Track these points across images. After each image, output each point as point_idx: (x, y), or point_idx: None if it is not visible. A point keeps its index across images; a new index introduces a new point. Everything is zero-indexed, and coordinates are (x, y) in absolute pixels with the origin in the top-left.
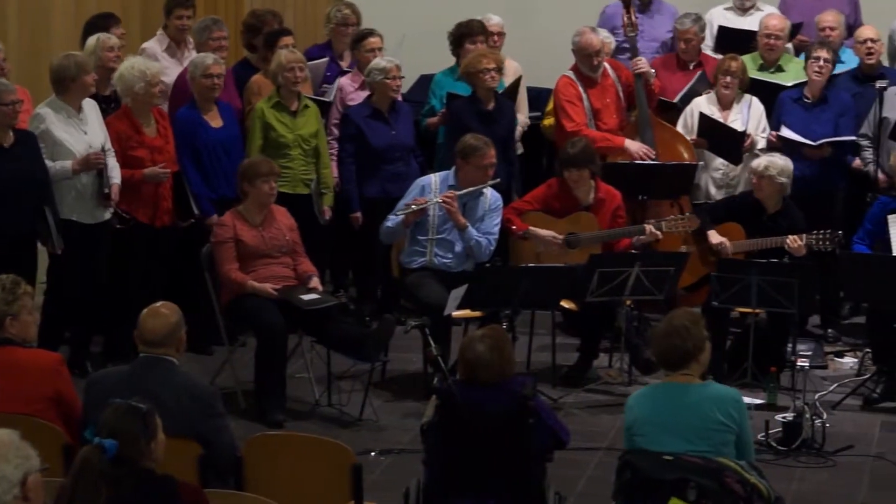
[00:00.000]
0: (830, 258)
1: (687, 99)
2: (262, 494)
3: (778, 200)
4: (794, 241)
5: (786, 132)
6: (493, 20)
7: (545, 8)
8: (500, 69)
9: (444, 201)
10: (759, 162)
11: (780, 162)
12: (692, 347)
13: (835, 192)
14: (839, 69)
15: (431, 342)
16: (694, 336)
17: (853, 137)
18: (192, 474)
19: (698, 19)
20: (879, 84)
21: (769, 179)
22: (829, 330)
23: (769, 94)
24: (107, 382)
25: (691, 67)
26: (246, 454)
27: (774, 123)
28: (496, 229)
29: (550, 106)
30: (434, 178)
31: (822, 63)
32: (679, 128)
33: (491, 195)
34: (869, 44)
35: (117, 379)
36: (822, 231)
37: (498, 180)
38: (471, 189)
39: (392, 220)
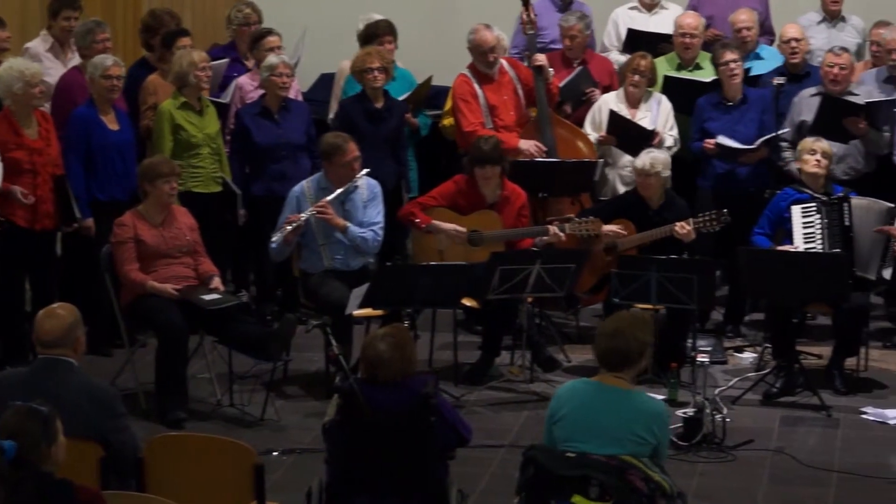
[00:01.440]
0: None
1: (566, 91)
2: (164, 496)
3: (662, 194)
4: (681, 228)
5: (724, 140)
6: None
7: (462, 7)
8: (385, 69)
9: (318, 211)
10: (644, 161)
11: (662, 156)
12: (634, 352)
13: (763, 190)
14: (762, 67)
15: (333, 341)
16: (639, 340)
17: (786, 129)
18: (93, 476)
19: (583, 17)
20: (777, 80)
21: (656, 176)
22: (729, 325)
23: (687, 93)
24: (6, 384)
25: (575, 65)
26: (147, 455)
27: (698, 130)
28: (380, 217)
29: (449, 105)
30: (305, 185)
31: (733, 65)
32: (587, 124)
33: (366, 186)
34: (793, 43)
35: (16, 381)
36: (707, 213)
37: (367, 170)
38: (342, 189)
39: (275, 241)
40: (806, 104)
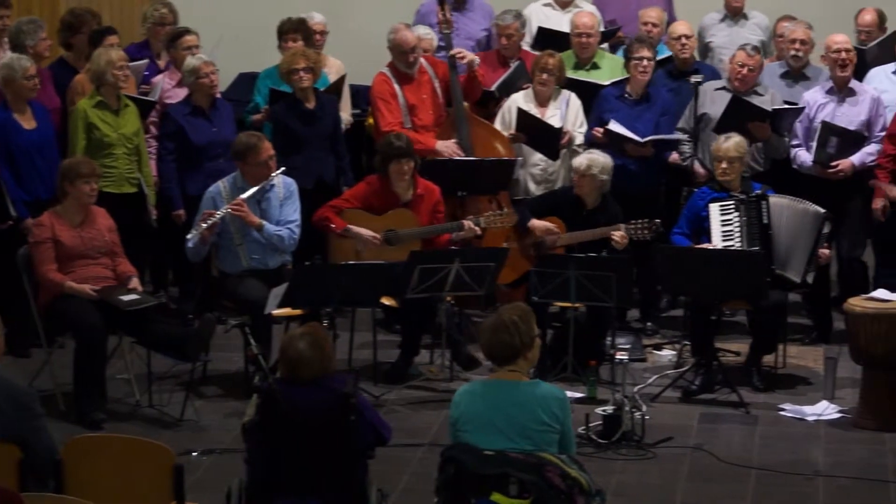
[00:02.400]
0: (647, 251)
1: (504, 88)
2: (83, 497)
3: (597, 196)
4: (621, 238)
5: (615, 126)
6: (316, 18)
7: (365, 6)
8: (312, 69)
9: (233, 210)
10: (581, 161)
11: (601, 160)
12: (520, 343)
13: (656, 188)
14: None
15: (252, 341)
16: (522, 332)
17: (676, 136)
18: (11, 478)
19: (519, 16)
20: (694, 79)
21: (591, 178)
22: (648, 323)
23: (585, 93)
24: None
25: (511, 64)
26: (66, 456)
27: (595, 119)
28: (296, 216)
29: None
30: (222, 185)
31: (645, 63)
32: (497, 124)
33: (283, 184)
34: (683, 40)
35: None
36: (640, 221)
37: (283, 169)
38: (258, 187)
39: (191, 239)
40: (710, 97)
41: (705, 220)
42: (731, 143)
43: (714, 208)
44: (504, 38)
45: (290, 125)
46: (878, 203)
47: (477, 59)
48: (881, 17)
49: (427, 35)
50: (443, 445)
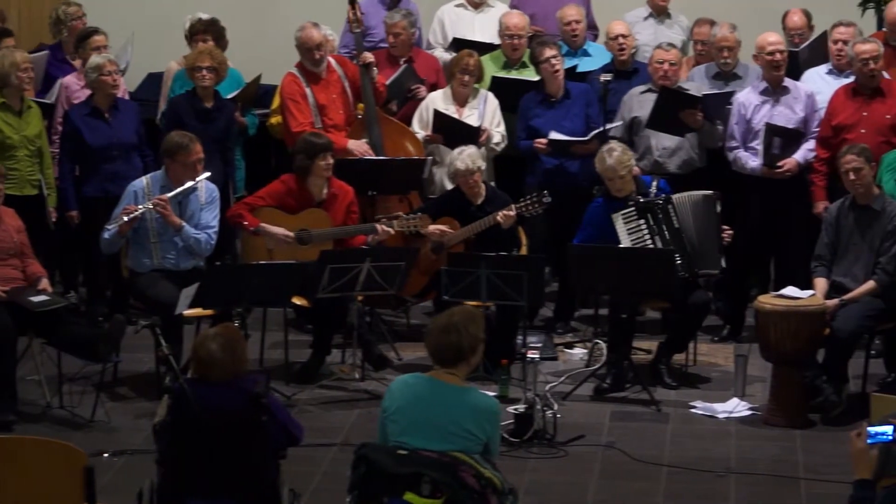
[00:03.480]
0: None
1: (391, 90)
2: None
3: (482, 189)
4: (504, 217)
5: (555, 135)
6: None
7: (288, 7)
8: (216, 69)
9: (155, 206)
10: (465, 161)
11: (474, 150)
12: (467, 347)
13: (593, 184)
14: (590, 64)
15: (163, 342)
16: (471, 335)
17: (615, 125)
18: None
19: (408, 15)
20: (604, 77)
21: (479, 172)
22: (559, 322)
23: (519, 93)
24: None
25: (401, 63)
26: None
27: (524, 128)
28: (215, 222)
29: (277, 103)
30: (146, 181)
31: (554, 61)
32: (414, 123)
33: (205, 189)
34: (620, 40)
35: None
36: (528, 196)
37: (208, 174)
38: (182, 188)
39: (108, 231)
40: (637, 101)
41: (610, 232)
42: (615, 159)
43: (618, 219)
44: (392, 37)
45: (184, 120)
46: (819, 207)
47: (376, 70)
48: (808, 17)
49: (331, 36)
50: (355, 445)
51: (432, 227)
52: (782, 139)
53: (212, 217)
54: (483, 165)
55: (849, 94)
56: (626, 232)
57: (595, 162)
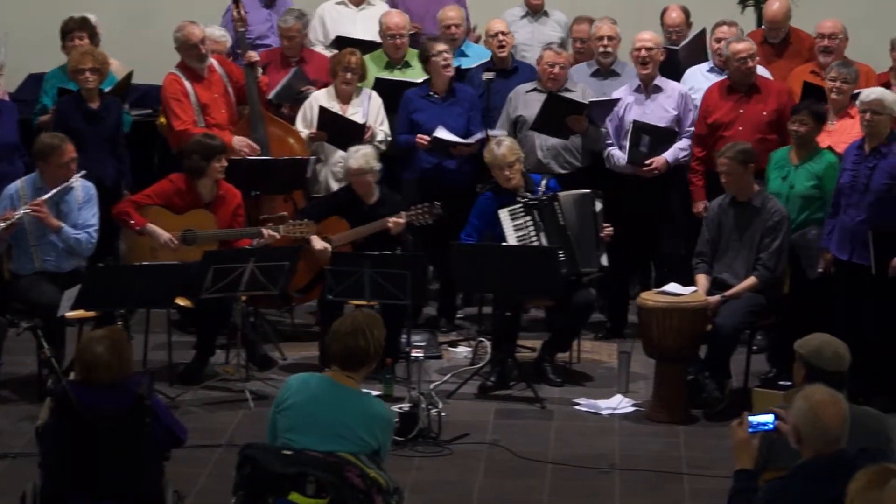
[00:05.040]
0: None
1: (281, 95)
2: None
3: (375, 190)
4: (394, 224)
5: (442, 133)
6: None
7: (167, 8)
8: (99, 70)
9: (32, 210)
10: (359, 160)
11: (370, 150)
12: (373, 352)
13: (475, 183)
14: (467, 63)
15: (45, 344)
16: (377, 340)
17: (503, 131)
18: None
19: (301, 16)
20: (486, 76)
21: (372, 172)
22: (443, 320)
23: (397, 92)
24: None
25: (293, 63)
26: None
27: (405, 123)
28: (94, 220)
29: None
30: (20, 185)
31: (446, 55)
32: (298, 122)
33: (82, 188)
34: (500, 37)
35: None
36: (420, 205)
37: (83, 172)
38: (57, 189)
39: None
40: (522, 100)
41: (497, 226)
42: (505, 148)
43: (504, 214)
44: (286, 40)
45: (72, 124)
46: (699, 206)
47: (260, 70)
48: (687, 15)
49: (222, 37)
50: (240, 445)
51: (319, 245)
52: (652, 137)
53: (91, 215)
54: (377, 166)
55: (723, 91)
56: (513, 228)
57: (484, 153)
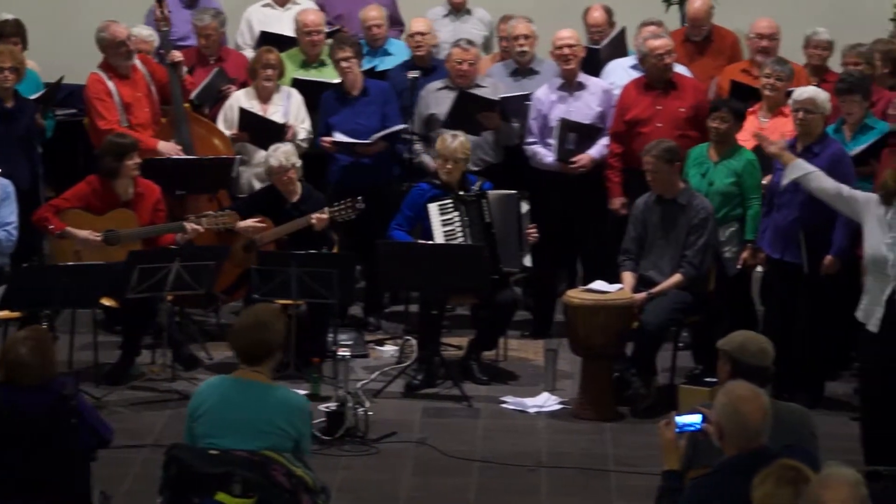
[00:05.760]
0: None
1: (203, 95)
2: None
3: (297, 187)
4: (317, 220)
5: (337, 136)
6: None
7: (91, 7)
8: (17, 69)
9: None
10: (279, 158)
11: (289, 147)
12: (276, 344)
13: (390, 180)
14: (392, 62)
15: None
16: (278, 332)
17: (405, 126)
18: None
19: (217, 14)
20: (412, 74)
21: (294, 169)
22: (370, 318)
23: (319, 93)
24: None
25: (212, 62)
26: None
27: (323, 126)
28: (12, 217)
29: None
30: None
31: (345, 63)
32: (219, 122)
33: None
34: (418, 37)
35: None
36: (342, 202)
37: None
38: None
39: None
40: (433, 98)
41: (426, 218)
42: (458, 143)
43: (433, 208)
44: (203, 39)
45: None
46: (616, 203)
47: (185, 69)
48: (609, 14)
49: (149, 37)
50: (166, 446)
51: (244, 224)
52: (577, 134)
53: (8, 213)
54: (298, 163)
55: (640, 88)
56: (440, 223)
57: (437, 141)
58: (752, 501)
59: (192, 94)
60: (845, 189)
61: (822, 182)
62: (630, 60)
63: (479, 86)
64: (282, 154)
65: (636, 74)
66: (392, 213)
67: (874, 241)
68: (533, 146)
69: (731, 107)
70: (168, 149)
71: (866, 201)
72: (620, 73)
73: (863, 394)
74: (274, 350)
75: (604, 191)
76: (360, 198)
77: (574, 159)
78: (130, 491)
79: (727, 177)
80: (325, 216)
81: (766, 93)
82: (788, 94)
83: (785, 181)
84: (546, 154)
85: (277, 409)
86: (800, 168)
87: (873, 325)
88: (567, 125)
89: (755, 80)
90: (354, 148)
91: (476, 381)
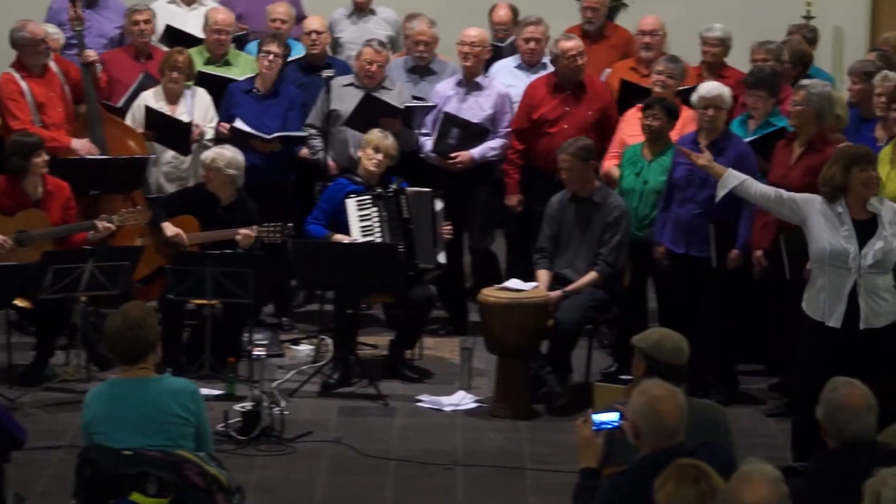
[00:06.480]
0: (282, 248)
1: (131, 102)
2: None
3: (231, 192)
4: (244, 237)
5: (239, 124)
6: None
7: None
8: None
9: None
10: (208, 154)
11: (228, 154)
12: (153, 340)
13: (285, 183)
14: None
15: None
16: (153, 328)
17: (303, 133)
18: None
19: (146, 9)
20: (326, 73)
21: (217, 171)
22: (284, 318)
23: (218, 88)
24: None
25: (143, 60)
26: None
27: (224, 115)
28: None
29: None
30: None
31: (272, 57)
32: (128, 122)
33: None
34: (314, 35)
35: None
36: (272, 224)
37: None
38: None
39: None
40: (337, 94)
41: (343, 213)
42: (390, 140)
43: (351, 203)
44: (137, 35)
45: None
46: (512, 199)
47: (99, 66)
48: (515, 13)
49: (55, 35)
50: (81, 446)
51: (172, 231)
52: (461, 131)
53: None
54: (229, 171)
55: (550, 88)
56: (357, 218)
57: (369, 133)
58: (656, 503)
59: (120, 102)
60: (784, 193)
61: (760, 188)
62: (514, 61)
63: (384, 88)
64: (213, 153)
65: (521, 74)
66: (288, 214)
67: (827, 237)
68: (424, 138)
69: (664, 105)
70: (82, 146)
71: (805, 201)
72: (505, 73)
73: (802, 389)
74: (153, 346)
75: (484, 188)
76: (290, 224)
77: (453, 155)
78: (45, 492)
79: (661, 175)
80: (251, 234)
81: (657, 90)
82: (679, 92)
83: (721, 192)
84: (428, 145)
85: (167, 396)
86: (734, 178)
87: (835, 322)
88: (451, 120)
89: (643, 78)
90: (250, 140)
91: (406, 379)
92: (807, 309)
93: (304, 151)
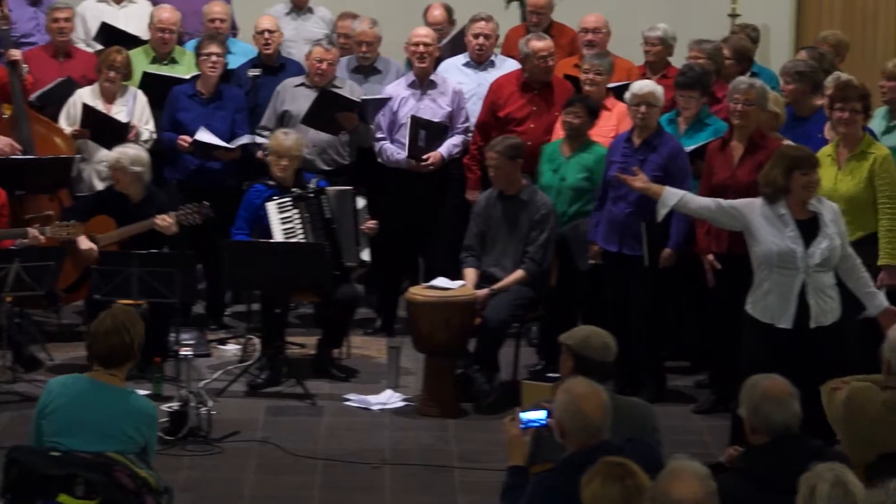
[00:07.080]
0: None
1: (44, 99)
2: None
3: (140, 189)
4: (162, 220)
5: (203, 135)
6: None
7: None
8: None
9: None
10: (110, 155)
11: (132, 152)
12: (135, 347)
13: (240, 184)
14: (233, 61)
15: None
16: (138, 335)
17: (264, 140)
18: None
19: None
20: (252, 72)
21: (122, 171)
22: (212, 318)
23: (168, 89)
24: None
25: (61, 59)
26: None
27: (168, 119)
28: None
29: None
30: None
31: (215, 59)
32: (62, 119)
33: None
34: (266, 35)
35: None
36: (189, 205)
37: None
38: None
39: None
40: (290, 94)
41: (264, 218)
42: (292, 140)
43: (271, 207)
44: (57, 35)
45: None
46: (474, 195)
47: (26, 67)
48: (449, 12)
49: None
50: (7, 448)
51: (85, 245)
52: (427, 132)
53: None
54: (135, 168)
55: (518, 87)
56: (279, 221)
57: (270, 139)
58: (583, 502)
59: (34, 96)
60: (723, 202)
61: (699, 201)
62: (462, 59)
63: (335, 86)
64: (117, 153)
65: (470, 72)
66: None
67: (772, 238)
68: (382, 143)
69: (586, 103)
70: (4, 145)
71: (746, 206)
72: (454, 71)
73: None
74: (132, 354)
75: (451, 187)
76: (206, 203)
77: (425, 157)
78: None
79: (579, 172)
80: (169, 220)
81: (587, 87)
82: (610, 89)
83: (663, 211)
84: (396, 151)
85: (129, 415)
86: (672, 195)
87: (785, 322)
88: (418, 122)
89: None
90: (215, 152)
91: (334, 378)
92: (753, 312)
93: (261, 154)
